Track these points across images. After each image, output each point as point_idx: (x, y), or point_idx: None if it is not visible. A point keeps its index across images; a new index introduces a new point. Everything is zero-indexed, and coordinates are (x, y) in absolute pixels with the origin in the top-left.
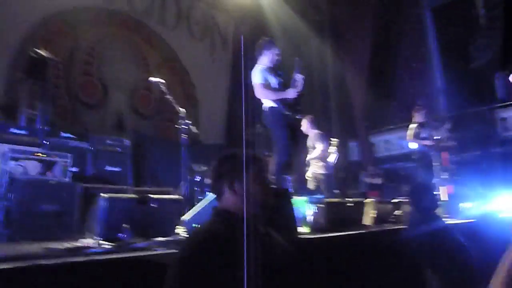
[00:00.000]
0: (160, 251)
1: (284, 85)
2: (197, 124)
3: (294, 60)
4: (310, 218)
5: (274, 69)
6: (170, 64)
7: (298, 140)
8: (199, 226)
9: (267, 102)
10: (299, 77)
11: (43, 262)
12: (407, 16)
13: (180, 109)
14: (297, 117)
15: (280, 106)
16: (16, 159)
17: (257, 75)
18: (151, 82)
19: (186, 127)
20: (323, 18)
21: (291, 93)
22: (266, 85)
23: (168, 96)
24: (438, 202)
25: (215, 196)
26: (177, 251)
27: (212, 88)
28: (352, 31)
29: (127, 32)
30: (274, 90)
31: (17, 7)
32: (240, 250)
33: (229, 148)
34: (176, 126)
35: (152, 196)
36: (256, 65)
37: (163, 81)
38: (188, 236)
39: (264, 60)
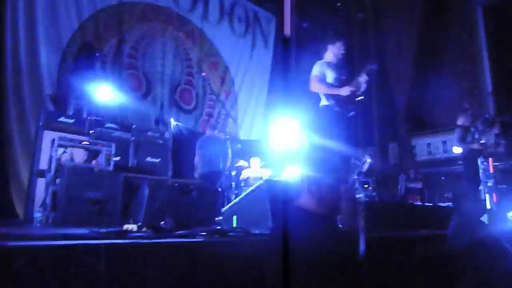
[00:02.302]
0: (200, 239)
1: (345, 83)
2: (236, 119)
3: (366, 64)
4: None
5: (338, 66)
6: (212, 60)
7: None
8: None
9: (322, 100)
10: (362, 78)
11: (89, 242)
12: (455, 15)
13: (220, 104)
14: (349, 115)
15: (332, 102)
16: (64, 147)
17: (315, 68)
18: (194, 78)
19: (226, 122)
20: (366, 16)
21: (344, 91)
22: (321, 79)
23: (209, 91)
24: (483, 209)
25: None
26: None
27: (252, 84)
28: (396, 29)
29: (170, 27)
30: (328, 84)
31: (68, 3)
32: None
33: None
34: (216, 121)
35: (192, 187)
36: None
37: (204, 74)
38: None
39: (328, 56)
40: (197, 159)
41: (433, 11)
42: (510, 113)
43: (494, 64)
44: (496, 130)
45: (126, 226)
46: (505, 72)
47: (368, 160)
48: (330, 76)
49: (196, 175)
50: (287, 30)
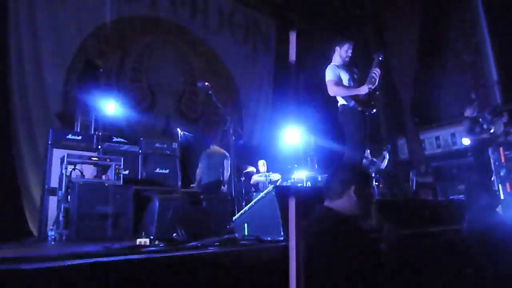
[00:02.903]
0: (213, 249)
1: (359, 81)
2: (241, 126)
3: (373, 56)
4: None
5: (348, 66)
6: (214, 68)
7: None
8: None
9: (341, 100)
10: (375, 73)
11: (103, 259)
12: (456, 6)
13: (225, 111)
14: (371, 113)
15: (353, 102)
16: (73, 164)
17: (329, 73)
18: (197, 86)
19: (231, 129)
20: (366, 12)
21: (363, 89)
22: (338, 82)
23: (213, 100)
24: (498, 200)
25: (329, 197)
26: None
27: (255, 90)
28: (398, 22)
29: (172, 38)
30: (347, 86)
31: (69, 21)
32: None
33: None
34: (221, 128)
35: (202, 196)
36: (331, 63)
37: (208, 84)
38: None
39: (337, 58)
40: (198, 171)
41: (434, 4)
42: None
43: (498, 53)
44: (504, 119)
45: (139, 241)
46: (509, 60)
47: (387, 156)
48: (345, 78)
49: (196, 187)
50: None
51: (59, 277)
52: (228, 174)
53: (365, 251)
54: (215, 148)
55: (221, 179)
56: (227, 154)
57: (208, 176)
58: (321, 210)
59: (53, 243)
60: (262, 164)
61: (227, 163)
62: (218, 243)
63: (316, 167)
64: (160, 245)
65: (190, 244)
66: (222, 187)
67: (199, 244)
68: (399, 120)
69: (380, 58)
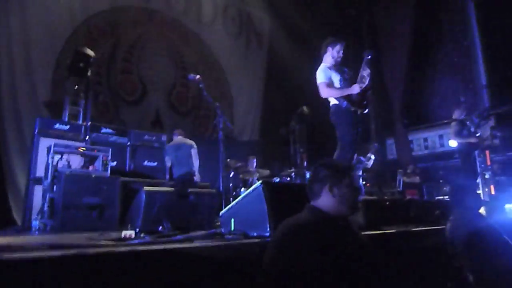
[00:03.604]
0: (199, 243)
1: (350, 81)
2: (232, 121)
3: (363, 53)
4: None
5: (339, 67)
6: (206, 61)
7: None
8: (292, 218)
9: (333, 100)
10: (365, 72)
11: (86, 251)
12: (447, 9)
13: (216, 105)
14: (364, 112)
15: (345, 103)
16: (60, 153)
17: (321, 74)
18: (188, 79)
19: (222, 124)
20: (359, 12)
21: (355, 89)
22: (329, 84)
23: (204, 93)
24: (481, 202)
25: (312, 196)
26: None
27: (247, 85)
28: (389, 25)
29: (164, 30)
30: (338, 87)
31: (60, 9)
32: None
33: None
34: (211, 122)
35: (189, 190)
36: (321, 64)
37: (199, 76)
38: (283, 224)
39: (328, 59)
40: (168, 165)
41: (425, 7)
42: (505, 105)
43: (488, 57)
44: (491, 123)
45: (124, 233)
46: (498, 64)
47: (372, 157)
48: (336, 79)
49: (168, 179)
50: None
51: (41, 269)
52: (198, 163)
53: (350, 250)
54: (180, 138)
55: (192, 169)
56: (193, 142)
57: (179, 169)
58: (308, 210)
59: (37, 233)
60: (251, 160)
61: (195, 152)
62: (203, 237)
63: (305, 164)
64: (145, 237)
65: (175, 237)
66: (194, 178)
67: (184, 238)
68: (389, 120)
69: (369, 57)
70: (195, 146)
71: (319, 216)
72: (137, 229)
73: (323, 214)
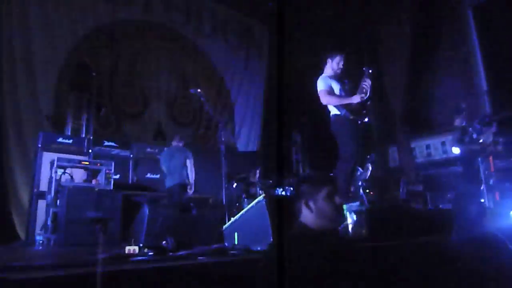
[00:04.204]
0: (202, 259)
1: (350, 92)
2: (233, 132)
3: (363, 69)
4: (350, 226)
5: (339, 77)
6: (207, 74)
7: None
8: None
9: (333, 110)
10: (366, 83)
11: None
12: (446, 16)
13: (217, 117)
14: (364, 121)
15: (344, 111)
16: (63, 168)
17: (321, 83)
18: (190, 92)
19: (223, 135)
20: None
21: (355, 99)
22: (330, 92)
23: (205, 105)
24: (485, 210)
25: (297, 213)
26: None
27: (248, 96)
28: (389, 32)
29: (165, 43)
30: (338, 95)
31: (62, 23)
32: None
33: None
34: (213, 134)
35: (193, 204)
36: (322, 74)
37: (200, 91)
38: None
39: (328, 70)
40: (162, 174)
41: (424, 13)
42: (507, 111)
43: (488, 63)
44: (493, 129)
45: (127, 248)
46: (499, 70)
47: (370, 167)
48: (336, 88)
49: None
50: None
51: None
52: (193, 174)
53: (340, 265)
54: (175, 147)
55: (186, 181)
56: (188, 152)
57: (172, 180)
58: (296, 226)
59: (40, 247)
60: (254, 171)
61: (190, 163)
62: (207, 253)
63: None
64: (149, 253)
65: (179, 253)
66: (188, 191)
67: (188, 254)
68: (391, 128)
69: (370, 71)
70: (190, 156)
71: (306, 233)
72: (141, 244)
73: (309, 230)
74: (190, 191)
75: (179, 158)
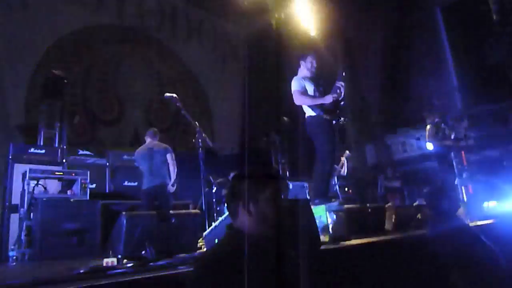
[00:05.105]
0: (183, 268)
1: (324, 93)
2: (212, 135)
3: (337, 71)
4: (330, 226)
5: (313, 79)
6: (183, 77)
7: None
8: (212, 247)
9: (308, 111)
10: (339, 84)
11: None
12: (417, 16)
13: (195, 121)
14: (339, 121)
15: (318, 110)
16: (36, 179)
17: (295, 83)
18: (165, 97)
19: (202, 139)
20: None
21: (328, 99)
22: (303, 92)
23: (182, 109)
24: (458, 204)
25: (231, 215)
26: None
27: (225, 99)
28: (363, 33)
29: (139, 48)
30: (312, 96)
31: (31, 30)
32: (253, 271)
33: (245, 167)
34: (191, 138)
35: (171, 211)
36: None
37: (175, 96)
38: (201, 256)
39: (303, 71)
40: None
41: (395, 11)
42: (477, 106)
43: (457, 59)
44: (465, 124)
45: (105, 261)
46: (468, 66)
47: (345, 163)
48: (310, 89)
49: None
50: None
51: None
52: (175, 169)
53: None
54: (151, 143)
55: (168, 181)
56: (167, 146)
57: (152, 179)
58: (228, 234)
59: (14, 263)
60: (233, 174)
61: (170, 157)
62: (187, 262)
63: (288, 174)
64: (128, 265)
65: (159, 263)
66: (170, 187)
67: (168, 263)
68: (367, 126)
69: (343, 73)
70: (170, 150)
71: (240, 241)
72: (119, 256)
73: (243, 237)
74: (173, 188)
75: (160, 156)
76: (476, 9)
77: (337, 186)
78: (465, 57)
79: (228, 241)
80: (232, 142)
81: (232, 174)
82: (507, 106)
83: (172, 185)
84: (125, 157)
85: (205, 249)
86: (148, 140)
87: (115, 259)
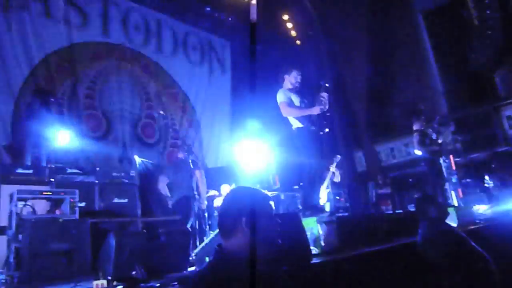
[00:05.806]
0: None
1: (310, 105)
2: (201, 148)
3: (320, 83)
4: (321, 237)
5: (298, 91)
6: (170, 91)
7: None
8: (201, 269)
9: (295, 123)
10: (324, 95)
11: None
12: (398, 21)
13: (183, 135)
14: (325, 132)
15: (306, 122)
16: (24, 200)
17: (280, 95)
18: (154, 110)
19: (190, 152)
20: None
21: (315, 110)
22: (289, 103)
23: (170, 123)
24: (447, 211)
25: (223, 234)
26: None
27: (214, 111)
28: (347, 43)
29: (125, 63)
30: (298, 107)
31: (17, 49)
32: None
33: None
34: (180, 152)
35: (161, 230)
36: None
37: (162, 112)
38: (191, 279)
39: (287, 84)
40: (167, 188)
41: (378, 19)
42: (463, 110)
43: (442, 65)
44: (452, 128)
45: (95, 284)
46: (452, 71)
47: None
48: (296, 101)
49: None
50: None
51: None
52: (205, 186)
53: None
54: (181, 157)
55: (194, 194)
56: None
57: (179, 192)
58: (216, 256)
59: (3, 287)
60: (225, 188)
61: (200, 173)
62: (179, 281)
63: (278, 185)
64: (118, 287)
65: (150, 284)
66: (200, 204)
67: (160, 284)
68: (355, 134)
69: (327, 85)
70: (198, 166)
71: (230, 265)
72: (109, 277)
73: (235, 261)
74: (202, 205)
75: (186, 170)
76: (457, 14)
77: (331, 195)
78: (449, 62)
79: (215, 266)
80: (221, 154)
81: (224, 187)
82: (492, 108)
83: (201, 202)
84: (114, 174)
85: (195, 268)
86: (179, 154)
87: (105, 282)
